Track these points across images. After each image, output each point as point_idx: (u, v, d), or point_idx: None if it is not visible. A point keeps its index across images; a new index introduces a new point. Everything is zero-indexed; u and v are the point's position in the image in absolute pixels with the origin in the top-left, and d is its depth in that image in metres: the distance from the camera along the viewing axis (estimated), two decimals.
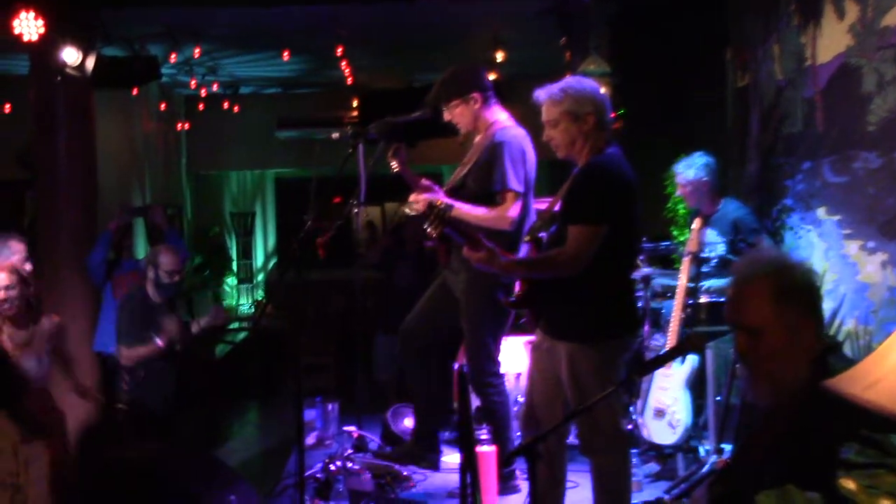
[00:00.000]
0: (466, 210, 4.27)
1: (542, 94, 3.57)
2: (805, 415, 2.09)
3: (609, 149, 3.53)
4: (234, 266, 12.53)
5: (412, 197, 4.45)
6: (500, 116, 4.50)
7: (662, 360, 2.61)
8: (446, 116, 4.52)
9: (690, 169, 5.25)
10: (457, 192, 4.44)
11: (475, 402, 4.71)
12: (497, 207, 4.31)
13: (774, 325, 2.15)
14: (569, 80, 3.60)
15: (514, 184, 4.31)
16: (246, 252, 12.70)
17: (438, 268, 4.69)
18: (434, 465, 4.86)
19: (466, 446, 2.93)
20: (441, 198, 4.32)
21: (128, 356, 5.17)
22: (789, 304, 2.15)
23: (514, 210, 4.30)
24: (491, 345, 4.53)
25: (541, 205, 4.37)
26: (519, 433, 5.05)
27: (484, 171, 4.37)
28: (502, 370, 4.64)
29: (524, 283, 3.67)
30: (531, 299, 3.64)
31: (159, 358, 5.14)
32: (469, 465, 2.88)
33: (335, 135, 4.76)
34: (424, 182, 4.48)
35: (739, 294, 2.22)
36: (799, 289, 2.19)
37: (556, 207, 3.64)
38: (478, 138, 4.53)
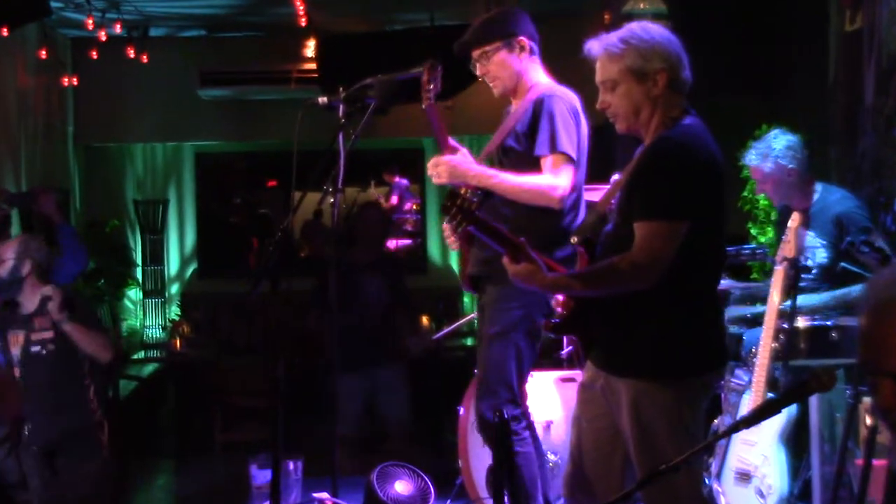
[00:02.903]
0: (501, 180, 4.37)
1: (595, 46, 3.62)
2: None
3: (686, 119, 3.59)
4: (139, 273, 12.49)
5: (432, 161, 4.52)
6: (541, 79, 4.58)
7: (774, 406, 2.63)
8: (479, 70, 4.58)
9: (767, 159, 5.27)
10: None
11: (487, 457, 4.76)
12: (543, 176, 4.37)
13: None
14: (632, 28, 3.63)
15: (566, 146, 4.36)
16: (155, 255, 12.59)
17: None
18: None
19: None
20: (472, 167, 4.42)
21: None
22: None
23: (564, 178, 4.34)
24: (515, 380, 4.58)
25: (591, 194, 4.43)
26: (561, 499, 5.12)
27: (522, 139, 4.46)
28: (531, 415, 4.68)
29: (570, 300, 3.70)
30: (580, 321, 3.69)
31: None
32: None
33: (322, 99, 4.77)
34: (451, 142, 4.56)
35: (880, 326, 2.21)
36: None
37: (614, 199, 3.69)
38: (513, 106, 4.61)
